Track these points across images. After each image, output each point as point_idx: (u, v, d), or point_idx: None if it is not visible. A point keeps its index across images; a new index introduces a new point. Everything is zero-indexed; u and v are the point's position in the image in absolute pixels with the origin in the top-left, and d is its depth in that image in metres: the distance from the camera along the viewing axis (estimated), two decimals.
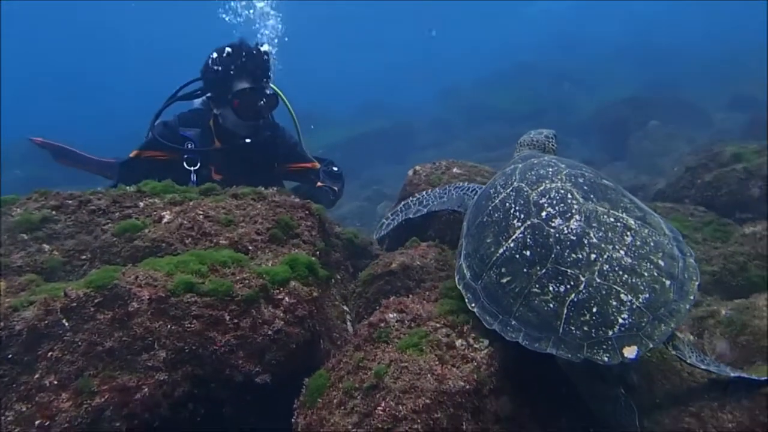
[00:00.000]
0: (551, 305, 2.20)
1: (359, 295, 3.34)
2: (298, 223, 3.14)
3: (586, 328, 2.11)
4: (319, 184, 4.83)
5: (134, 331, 2.19)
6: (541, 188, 2.46)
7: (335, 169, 5.11)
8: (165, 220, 2.86)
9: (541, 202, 2.41)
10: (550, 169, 2.56)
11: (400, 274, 3.24)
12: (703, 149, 5.13)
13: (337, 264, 3.71)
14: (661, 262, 2.23)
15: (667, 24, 31.64)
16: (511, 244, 2.39)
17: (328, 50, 44.78)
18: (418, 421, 2.01)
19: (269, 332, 2.42)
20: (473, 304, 2.45)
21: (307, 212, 3.25)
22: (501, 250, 2.42)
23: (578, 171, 2.55)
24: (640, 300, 2.13)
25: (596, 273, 2.19)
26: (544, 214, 2.38)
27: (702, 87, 18.41)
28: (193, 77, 4.68)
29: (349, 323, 3.29)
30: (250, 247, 2.85)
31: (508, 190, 2.58)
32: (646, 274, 2.19)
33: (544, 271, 2.27)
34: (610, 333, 2.08)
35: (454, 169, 4.30)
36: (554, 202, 2.40)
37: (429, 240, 3.93)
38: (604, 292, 2.15)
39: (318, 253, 3.11)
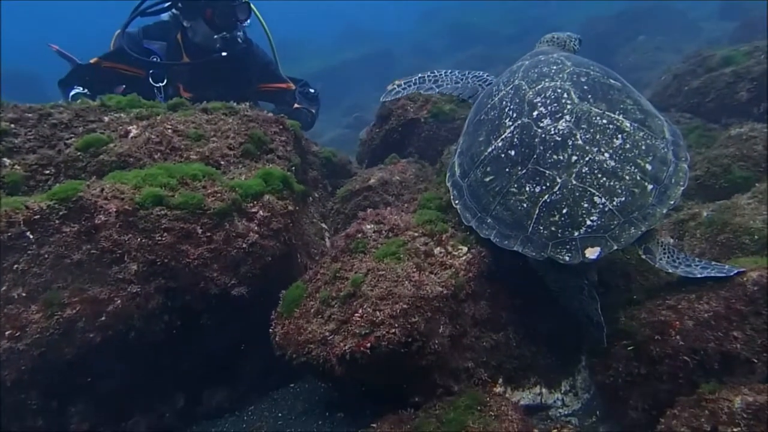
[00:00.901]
0: (525, 205, 2.22)
1: (337, 211, 3.29)
2: (272, 138, 3.03)
3: (553, 228, 2.15)
4: (296, 105, 4.65)
5: (102, 244, 2.12)
6: (539, 86, 2.40)
7: (311, 90, 4.90)
8: (132, 135, 2.73)
9: (535, 101, 2.36)
10: (554, 67, 2.47)
11: (378, 189, 3.19)
12: (693, 56, 4.94)
13: (314, 182, 3.64)
14: (649, 166, 2.20)
15: None
16: (500, 143, 2.37)
17: None
18: (396, 325, 2.00)
19: (243, 245, 2.37)
20: (457, 201, 2.47)
21: (281, 127, 3.15)
22: (490, 149, 2.40)
23: (583, 69, 2.45)
24: (614, 203, 2.13)
25: (573, 175, 2.18)
26: (535, 113, 2.33)
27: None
28: None
29: (327, 240, 3.25)
30: (222, 162, 2.76)
31: (508, 88, 2.52)
32: (627, 177, 2.17)
33: (524, 171, 2.26)
34: (576, 233, 2.12)
35: None
36: (548, 101, 2.34)
37: (409, 157, 3.87)
38: (577, 194, 2.15)
39: (293, 168, 3.03)
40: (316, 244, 3.08)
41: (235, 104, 3.20)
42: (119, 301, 2.09)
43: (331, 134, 12.95)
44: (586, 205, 2.14)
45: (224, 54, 4.21)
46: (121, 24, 4.27)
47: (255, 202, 2.50)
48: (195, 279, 2.28)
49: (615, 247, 2.08)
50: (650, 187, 2.18)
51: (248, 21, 4.32)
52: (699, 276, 2.07)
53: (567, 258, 2.10)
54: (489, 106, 2.55)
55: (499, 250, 2.24)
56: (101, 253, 2.12)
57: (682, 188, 2.18)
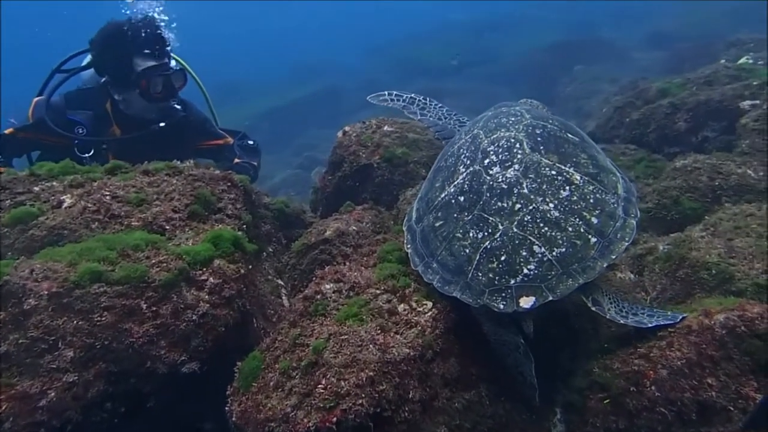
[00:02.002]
0: (467, 250, 2.23)
1: (293, 267, 3.15)
2: (219, 197, 2.89)
3: (491, 275, 2.14)
4: (236, 160, 4.44)
5: (32, 333, 1.93)
6: (495, 136, 2.44)
7: (250, 142, 4.68)
8: (66, 205, 2.55)
9: (488, 149, 2.40)
10: (513, 119, 2.52)
11: (335, 240, 3.07)
12: (629, 87, 5.12)
13: (268, 236, 3.50)
14: (594, 220, 2.18)
15: None
16: (452, 189, 2.41)
17: (248, 16, 43.27)
18: (362, 395, 1.87)
19: (194, 317, 2.20)
20: (409, 246, 2.48)
21: (229, 184, 3.01)
22: (443, 194, 2.44)
23: (540, 122, 2.49)
24: (554, 253, 2.12)
25: (515, 222, 2.19)
26: (486, 161, 2.36)
27: (619, 26, 18.78)
28: (78, 49, 4.15)
29: (284, 297, 3.10)
30: (167, 227, 2.59)
31: (467, 137, 2.57)
32: (570, 229, 2.16)
33: (470, 217, 2.28)
34: (512, 282, 2.11)
35: (385, 127, 4.12)
36: (500, 150, 2.37)
37: (364, 203, 3.78)
38: (517, 242, 2.15)
39: (245, 226, 2.89)
40: (272, 303, 2.93)
41: (179, 163, 3.05)
42: (53, 394, 1.89)
43: (282, 175, 12.81)
44: (524, 254, 2.14)
45: (162, 125, 3.96)
46: (39, 89, 3.99)
47: (204, 269, 2.34)
48: (140, 359, 2.09)
49: (550, 298, 2.05)
50: (593, 240, 2.15)
51: (185, 86, 4.13)
52: (650, 326, 2.06)
53: (501, 306, 2.08)
54: (449, 153, 2.58)
55: (462, 302, 2.16)
56: (32, 342, 1.92)
57: (627, 244, 2.16)
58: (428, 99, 3.26)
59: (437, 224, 2.39)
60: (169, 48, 4.01)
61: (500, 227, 2.19)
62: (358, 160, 3.92)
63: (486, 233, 2.21)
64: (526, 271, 2.11)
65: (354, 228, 3.17)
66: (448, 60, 19.23)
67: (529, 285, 2.09)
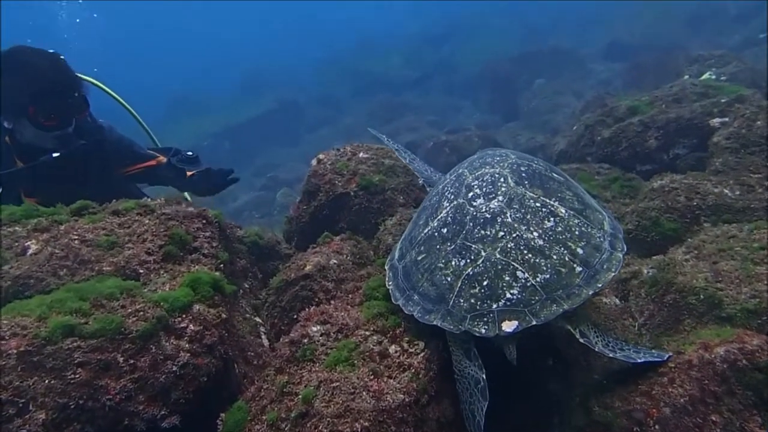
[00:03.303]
0: (449, 279, 2.21)
1: (272, 304, 3.05)
2: (195, 236, 2.78)
3: (473, 301, 2.12)
4: (189, 173, 4.18)
5: (1, 394, 1.79)
6: (479, 173, 2.46)
7: (189, 153, 4.37)
8: (31, 251, 2.40)
9: (472, 184, 2.41)
10: (498, 158, 2.54)
11: (316, 275, 2.98)
12: (595, 103, 5.19)
13: (243, 272, 3.38)
14: (580, 250, 2.18)
15: None
16: (435, 223, 2.41)
17: (193, 30, 42.88)
18: None
19: (173, 368, 2.09)
20: (390, 283, 2.46)
21: (204, 221, 2.90)
22: (426, 230, 2.43)
23: (525, 161, 2.52)
24: (538, 279, 2.11)
25: (498, 249, 2.18)
26: (470, 194, 2.37)
27: (576, 36, 19.10)
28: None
29: (263, 336, 2.99)
30: (141, 271, 2.47)
31: (452, 176, 2.59)
32: (555, 257, 2.16)
33: (452, 246, 2.27)
34: (494, 306, 2.09)
35: (360, 154, 4.06)
36: (484, 184, 2.39)
37: (341, 233, 3.70)
38: (499, 267, 2.14)
39: (222, 265, 2.78)
40: (252, 344, 2.81)
41: (149, 201, 2.93)
42: None
43: (245, 197, 12.62)
44: (507, 279, 2.13)
45: (56, 155, 3.64)
46: None
47: (183, 316, 2.23)
48: (118, 417, 1.96)
49: (534, 323, 2.03)
50: (579, 269, 2.15)
51: (86, 114, 3.84)
52: (639, 361, 2.04)
53: (483, 330, 2.06)
54: (433, 193, 2.59)
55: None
56: (1, 406, 1.78)
57: (614, 274, 2.16)
58: (411, 154, 3.37)
59: (419, 258, 2.37)
60: (65, 72, 3.70)
61: (483, 254, 2.18)
62: (334, 189, 3.84)
63: (468, 260, 2.20)
64: (509, 295, 2.09)
65: (334, 261, 3.09)
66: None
67: (512, 309, 2.07)
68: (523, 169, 2.44)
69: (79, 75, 3.84)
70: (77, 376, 1.91)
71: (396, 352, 2.14)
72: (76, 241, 2.48)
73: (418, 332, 2.21)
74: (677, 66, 7.80)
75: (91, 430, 1.91)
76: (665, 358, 2.00)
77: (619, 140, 4.53)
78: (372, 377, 1.99)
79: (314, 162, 4.10)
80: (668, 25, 15.38)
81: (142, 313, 2.13)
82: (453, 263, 2.23)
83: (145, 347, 2.06)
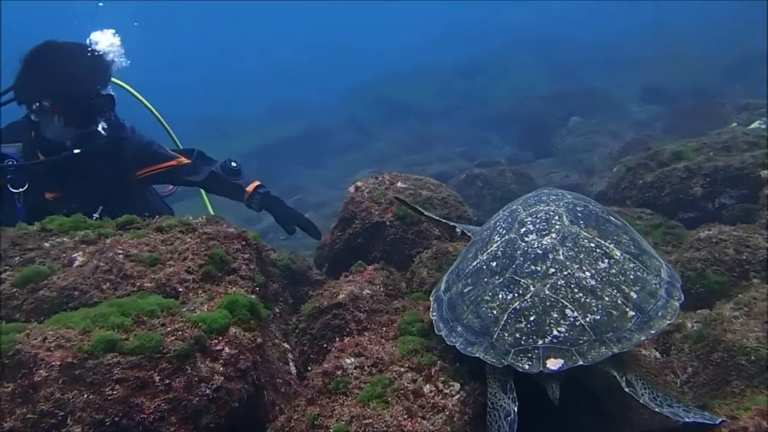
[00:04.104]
0: (495, 312, 2.19)
1: (303, 331, 3.04)
2: (234, 257, 2.81)
3: (518, 335, 2.09)
4: (248, 189, 4.22)
5: (42, 405, 1.81)
6: (533, 210, 2.46)
7: (233, 164, 4.35)
8: (77, 263, 2.45)
9: (526, 220, 2.41)
10: (553, 197, 2.54)
11: (349, 305, 2.96)
12: (635, 145, 5.12)
13: (275, 296, 3.40)
14: (634, 295, 2.13)
15: (563, 16, 32.13)
16: (484, 257, 2.40)
17: (226, 51, 43.96)
18: None
19: (207, 391, 2.09)
20: (434, 314, 2.44)
21: (243, 243, 2.93)
22: (475, 263, 2.42)
23: (582, 202, 2.51)
24: (588, 319, 2.06)
25: (548, 285, 2.15)
26: (523, 230, 2.37)
27: (610, 77, 18.97)
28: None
29: (291, 363, 2.98)
30: (181, 289, 2.50)
31: (505, 212, 2.61)
32: (606, 298, 2.10)
33: (501, 280, 2.25)
34: (540, 342, 2.05)
35: (399, 184, 4.08)
36: (538, 220, 2.38)
37: (374, 262, 3.69)
38: (548, 304, 2.10)
39: (257, 288, 2.80)
40: (280, 371, 2.81)
41: (191, 219, 2.98)
42: None
43: (270, 219, 12.63)
44: (555, 316, 2.08)
45: (76, 151, 3.68)
46: None
47: (220, 338, 2.24)
48: None
49: (580, 362, 1.97)
50: (631, 313, 2.09)
51: (111, 113, 3.90)
52: (686, 420, 1.97)
53: (526, 366, 2.01)
54: (485, 228, 2.67)
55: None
56: (40, 417, 1.80)
57: (668, 322, 2.11)
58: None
59: (466, 290, 2.35)
60: (94, 71, 3.79)
61: (531, 289, 2.15)
62: (370, 218, 3.86)
63: (516, 294, 2.17)
64: (555, 333, 2.05)
65: (368, 291, 3.08)
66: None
67: (558, 347, 2.02)
68: (579, 209, 2.42)
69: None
70: (115, 392, 1.92)
71: (431, 391, 2.11)
72: (121, 256, 2.53)
73: (454, 373, 2.19)
74: (722, 112, 7.70)
75: None
76: (718, 422, 1.92)
77: (662, 185, 4.47)
78: (405, 416, 1.96)
79: (352, 189, 4.12)
80: (707, 71, 15.23)
81: (180, 332, 2.14)
82: (500, 296, 2.20)
83: (181, 368, 2.07)
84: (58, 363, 1.88)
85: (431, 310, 2.48)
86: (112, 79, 4.10)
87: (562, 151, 11.79)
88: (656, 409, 2.03)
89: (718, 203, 4.18)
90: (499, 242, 2.40)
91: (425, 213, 3.36)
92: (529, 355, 2.03)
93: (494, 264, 2.33)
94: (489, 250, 2.40)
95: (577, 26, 28.01)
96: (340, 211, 4.16)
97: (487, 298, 2.23)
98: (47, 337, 1.92)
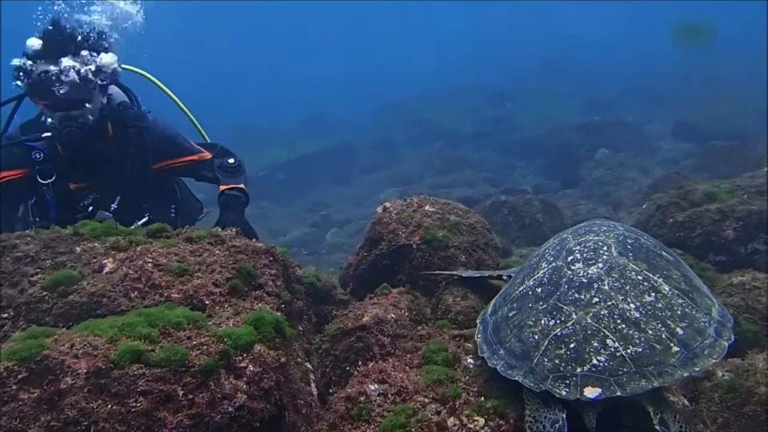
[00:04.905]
0: (536, 337, 2.23)
1: (326, 352, 3.01)
2: (261, 272, 2.80)
3: (557, 361, 2.12)
4: (222, 187, 4.06)
5: (66, 413, 1.80)
6: (583, 239, 2.51)
7: (231, 161, 4.20)
8: (107, 270, 2.46)
9: (574, 249, 2.46)
10: (605, 228, 2.57)
11: (373, 328, 2.93)
12: (666, 184, 5.02)
13: (299, 314, 3.37)
14: (680, 331, 2.13)
15: (601, 47, 32.15)
16: (531, 282, 2.46)
17: (264, 63, 44.74)
18: None
19: (230, 409, 2.06)
20: (479, 336, 2.51)
21: (271, 259, 2.92)
22: (521, 288, 2.49)
23: (633, 234, 2.52)
24: (629, 351, 2.07)
25: (591, 314, 2.18)
26: (570, 258, 2.42)
27: (643, 112, 18.81)
28: None
29: (313, 384, 2.95)
30: (207, 302, 2.49)
31: (555, 240, 2.67)
32: (650, 332, 2.12)
33: (544, 306, 2.30)
34: (578, 370, 2.07)
35: (427, 207, 4.05)
36: (586, 250, 2.43)
37: (399, 285, 3.67)
38: (589, 332, 2.14)
39: (283, 305, 2.78)
40: (302, 392, 2.77)
41: (220, 231, 2.98)
42: None
43: (296, 232, 12.71)
44: (596, 345, 2.10)
45: (46, 135, 3.57)
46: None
47: (245, 355, 2.21)
48: None
49: (618, 393, 1.97)
50: (676, 349, 2.08)
51: (101, 99, 3.77)
52: None
53: (564, 393, 2.04)
54: (534, 254, 2.72)
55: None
56: (63, 426, 1.79)
57: (714, 362, 2.07)
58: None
59: (510, 314, 2.42)
60: (68, 48, 3.57)
61: (574, 316, 2.19)
62: (397, 240, 3.82)
63: (558, 321, 2.21)
64: (595, 361, 2.07)
65: (392, 315, 3.05)
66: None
67: (597, 376, 2.03)
68: (629, 241, 2.44)
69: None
70: (138, 404, 1.90)
71: (455, 425, 2.06)
72: (150, 265, 2.53)
73: (478, 407, 2.13)
74: (755, 155, 7.55)
75: None
76: None
77: (693, 226, 4.37)
78: None
79: (380, 209, 4.11)
80: (744, 113, 14.99)
81: (205, 347, 2.12)
82: (542, 322, 2.25)
83: (204, 383, 2.05)
84: (85, 371, 1.87)
85: (477, 332, 2.55)
86: (127, 67, 4.08)
87: (589, 184, 11.66)
88: None
89: (750, 248, 4.07)
90: (546, 269, 2.44)
91: (471, 274, 3.41)
92: (567, 381, 2.05)
93: (539, 290, 2.37)
94: (535, 276, 2.45)
95: (614, 58, 27.92)
96: (366, 231, 4.14)
97: (530, 323, 2.28)
98: (75, 344, 1.92)
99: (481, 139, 19.34)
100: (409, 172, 16.69)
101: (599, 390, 2.00)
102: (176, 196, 4.43)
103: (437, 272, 3.49)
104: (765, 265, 3.87)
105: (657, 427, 2.02)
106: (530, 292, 2.40)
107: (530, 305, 2.34)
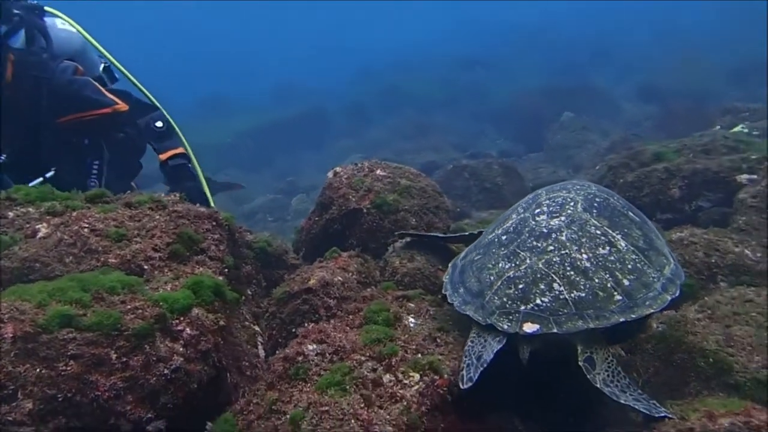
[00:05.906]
0: (492, 278, 2.42)
1: (273, 315, 3.03)
2: (203, 237, 2.77)
3: (505, 299, 2.30)
4: (161, 156, 3.90)
5: None
6: (554, 195, 2.66)
7: (158, 124, 3.97)
8: (40, 235, 2.41)
9: (543, 203, 2.62)
10: (578, 187, 2.71)
11: (319, 291, 2.95)
12: (622, 146, 5.11)
13: (248, 278, 3.37)
14: (626, 282, 2.26)
15: (572, 16, 32.20)
16: (499, 231, 2.64)
17: (233, 31, 43.61)
18: None
19: (165, 371, 2.06)
20: (446, 277, 2.74)
21: (214, 223, 2.90)
22: (491, 236, 2.67)
23: (604, 195, 2.66)
24: (573, 295, 2.21)
25: (543, 260, 2.33)
26: (537, 210, 2.58)
27: (611, 76, 19.01)
28: None
29: (260, 347, 2.97)
30: (146, 267, 2.47)
31: (531, 195, 2.83)
32: (597, 280, 2.25)
33: (505, 251, 2.48)
34: (522, 308, 2.23)
35: (378, 171, 4.04)
36: (554, 204, 2.57)
37: (350, 249, 3.67)
38: (538, 276, 2.29)
39: (226, 270, 2.77)
40: (247, 354, 2.79)
41: (163, 196, 2.94)
42: None
43: (261, 199, 12.58)
44: (542, 287, 2.26)
45: None
46: None
47: (181, 318, 2.21)
48: (104, 415, 1.94)
49: (554, 330, 2.13)
50: (618, 297, 2.21)
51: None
52: (621, 402, 2.03)
53: (506, 326, 2.21)
54: (510, 208, 2.87)
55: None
56: None
57: (653, 311, 2.20)
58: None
59: (476, 258, 2.61)
60: None
61: (528, 261, 2.36)
62: (347, 204, 3.82)
63: (513, 264, 2.39)
64: (538, 301, 2.23)
65: (339, 278, 3.07)
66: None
67: (538, 314, 2.19)
68: (597, 200, 2.58)
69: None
70: (69, 368, 1.89)
71: (390, 381, 2.10)
72: (86, 230, 2.49)
73: (413, 364, 2.17)
74: (710, 116, 7.70)
75: (77, 425, 1.89)
76: (661, 415, 1.95)
77: (641, 185, 4.48)
78: (362, 405, 1.96)
79: (330, 174, 4.09)
80: (710, 74, 15.21)
81: (140, 311, 2.11)
82: (500, 265, 2.43)
83: (139, 346, 2.04)
84: (11, 335, 1.84)
85: (445, 274, 2.77)
86: (50, 10, 3.85)
87: (552, 147, 11.77)
88: (598, 386, 2.07)
89: (695, 206, 4.19)
90: (514, 219, 2.62)
91: (430, 234, 3.51)
92: (510, 317, 2.22)
93: (504, 238, 2.55)
94: (504, 226, 2.62)
95: (586, 26, 28.10)
96: (318, 196, 4.12)
97: (490, 265, 2.47)
98: (1, 309, 1.88)
99: (452, 106, 19.31)
100: (377, 139, 16.61)
101: (537, 326, 2.15)
102: (101, 153, 4.09)
103: (413, 233, 3.52)
104: (708, 222, 3.99)
105: (581, 364, 2.13)
106: (496, 240, 2.57)
107: (494, 250, 2.52)
